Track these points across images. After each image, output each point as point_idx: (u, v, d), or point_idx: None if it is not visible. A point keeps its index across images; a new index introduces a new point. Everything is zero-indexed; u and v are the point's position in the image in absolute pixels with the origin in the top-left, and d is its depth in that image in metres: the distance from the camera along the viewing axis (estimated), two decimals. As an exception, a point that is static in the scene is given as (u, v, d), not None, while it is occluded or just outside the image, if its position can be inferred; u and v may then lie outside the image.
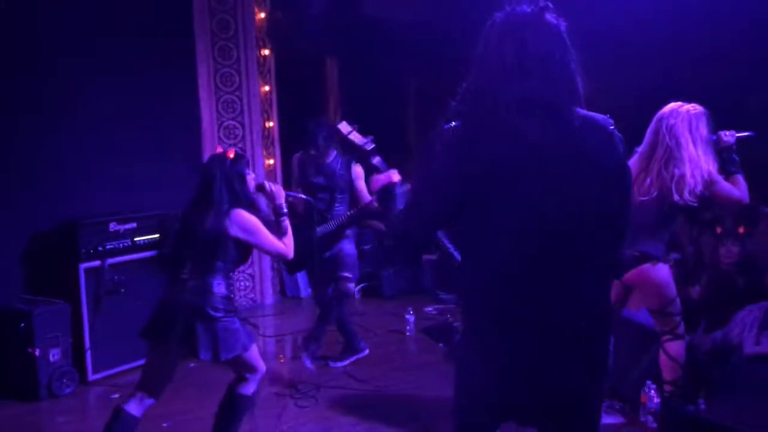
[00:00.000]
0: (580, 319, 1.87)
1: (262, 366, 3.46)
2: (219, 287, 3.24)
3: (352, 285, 5.03)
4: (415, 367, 5.03)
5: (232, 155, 3.36)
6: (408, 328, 5.83)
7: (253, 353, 3.39)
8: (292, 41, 7.12)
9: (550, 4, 1.90)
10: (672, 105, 3.63)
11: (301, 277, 7.40)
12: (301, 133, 5.09)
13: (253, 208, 3.42)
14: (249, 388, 3.45)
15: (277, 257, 3.44)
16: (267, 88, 6.97)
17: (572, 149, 1.83)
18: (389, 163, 4.84)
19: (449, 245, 5.05)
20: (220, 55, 6.59)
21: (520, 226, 1.83)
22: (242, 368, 3.41)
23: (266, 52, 6.93)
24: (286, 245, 3.39)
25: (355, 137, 4.38)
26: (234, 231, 3.23)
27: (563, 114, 1.84)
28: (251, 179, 3.42)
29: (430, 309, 6.44)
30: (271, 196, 3.48)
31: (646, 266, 3.55)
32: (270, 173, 7.06)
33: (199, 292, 3.21)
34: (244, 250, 3.35)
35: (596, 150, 1.85)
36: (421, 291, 7.11)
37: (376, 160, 4.14)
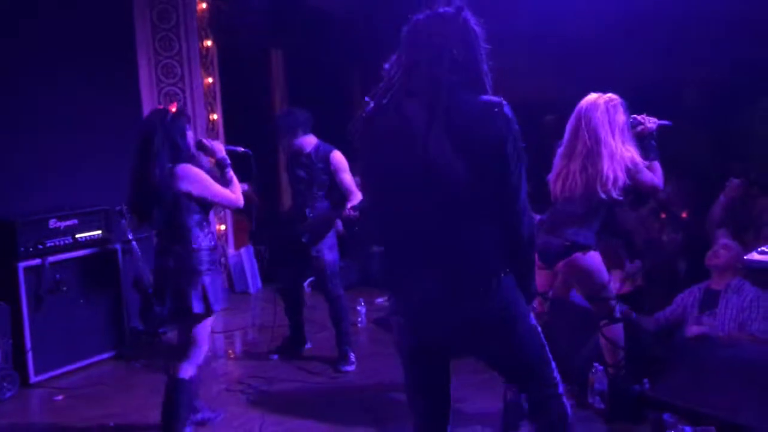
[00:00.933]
0: (463, 264, 2.15)
1: (207, 343, 3.50)
2: (198, 241, 3.33)
3: (341, 291, 4.93)
4: (367, 356, 5.03)
5: (173, 109, 3.41)
6: (359, 319, 5.83)
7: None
8: (235, 32, 7.01)
9: (465, 6, 2.19)
10: (589, 98, 3.67)
11: (250, 272, 7.33)
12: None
13: (194, 163, 3.44)
14: (186, 371, 3.42)
15: (228, 206, 3.51)
16: (210, 79, 6.86)
17: (445, 125, 2.08)
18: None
19: None
20: (161, 46, 6.45)
21: (397, 187, 2.18)
22: (193, 340, 3.40)
23: (209, 43, 6.81)
24: (235, 194, 3.47)
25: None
26: (183, 185, 3.29)
27: (443, 96, 2.09)
28: (191, 136, 3.44)
29: (381, 300, 6.44)
30: (211, 152, 3.56)
31: (577, 255, 3.63)
32: (216, 166, 6.94)
33: (183, 252, 3.31)
34: (200, 202, 3.38)
35: (472, 125, 2.09)
36: (372, 282, 7.12)
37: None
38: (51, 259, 4.81)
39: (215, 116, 6.94)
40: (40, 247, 4.81)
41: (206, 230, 3.41)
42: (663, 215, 5.07)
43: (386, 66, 2.27)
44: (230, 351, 5.57)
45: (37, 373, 4.74)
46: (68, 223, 5.01)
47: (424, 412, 2.42)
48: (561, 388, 2.36)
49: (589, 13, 5.82)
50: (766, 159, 6.74)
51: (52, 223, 4.93)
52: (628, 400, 3.73)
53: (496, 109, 2.11)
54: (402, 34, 2.24)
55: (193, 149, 3.47)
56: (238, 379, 4.74)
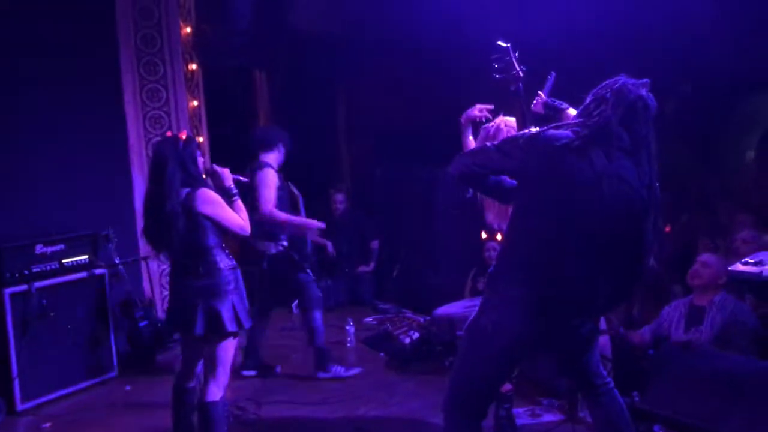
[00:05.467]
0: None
1: (231, 362, 3.56)
2: (223, 261, 3.41)
3: (318, 314, 4.98)
4: (357, 377, 5.03)
5: (183, 137, 3.48)
6: (348, 339, 5.83)
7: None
8: (220, 55, 7.05)
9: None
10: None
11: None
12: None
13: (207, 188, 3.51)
14: (216, 393, 3.44)
15: (237, 233, 3.52)
16: (195, 102, 6.87)
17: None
18: (322, 174, 4.86)
19: None
20: (145, 70, 6.46)
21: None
22: (219, 360, 3.43)
23: (194, 66, 6.83)
24: (244, 221, 3.53)
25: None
26: (204, 208, 3.37)
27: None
28: (201, 162, 3.51)
29: (370, 319, 6.46)
30: (220, 179, 3.59)
31: None
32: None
33: (209, 273, 3.38)
34: (218, 224, 3.45)
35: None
36: (360, 302, 7.13)
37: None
38: (38, 284, 4.78)
39: (201, 138, 6.94)
40: (27, 272, 4.78)
41: (226, 251, 3.51)
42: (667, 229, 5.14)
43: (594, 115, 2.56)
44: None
45: (23, 400, 4.68)
46: (55, 248, 4.99)
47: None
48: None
49: (569, 28, 5.92)
50: (745, 171, 6.86)
51: (39, 249, 4.91)
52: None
53: None
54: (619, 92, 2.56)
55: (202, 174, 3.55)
56: (229, 400, 4.70)
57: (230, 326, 3.38)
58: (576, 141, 2.46)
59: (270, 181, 4.80)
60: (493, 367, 2.69)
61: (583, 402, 3.88)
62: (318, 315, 4.95)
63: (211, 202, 3.41)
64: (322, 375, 4.96)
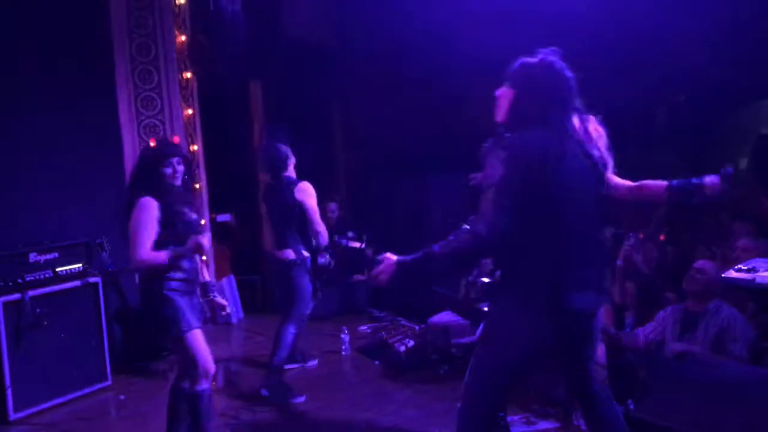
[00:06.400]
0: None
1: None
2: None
3: (293, 330, 4.90)
4: (351, 385, 5.03)
5: (152, 144, 3.60)
6: (343, 347, 5.82)
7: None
8: (215, 64, 7.06)
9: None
10: None
11: (232, 303, 7.30)
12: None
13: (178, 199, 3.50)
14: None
15: (132, 257, 3.41)
16: (190, 111, 6.88)
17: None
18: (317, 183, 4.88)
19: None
20: (140, 78, 6.48)
21: None
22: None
23: (188, 75, 6.85)
24: (150, 256, 3.36)
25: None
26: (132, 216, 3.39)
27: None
28: (172, 170, 3.46)
29: (365, 327, 6.45)
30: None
31: None
32: (195, 197, 6.95)
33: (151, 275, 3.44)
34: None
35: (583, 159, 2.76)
36: (355, 310, 7.12)
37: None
38: (31, 293, 4.76)
39: (195, 147, 6.95)
40: (20, 281, 4.77)
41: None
42: (641, 235, 5.15)
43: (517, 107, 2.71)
44: (213, 383, 5.52)
45: (17, 410, 4.66)
46: (48, 256, 4.98)
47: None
48: None
49: (559, 35, 5.95)
50: (738, 178, 6.88)
51: (32, 257, 4.90)
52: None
53: None
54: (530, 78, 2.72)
55: (172, 181, 3.47)
56: (223, 411, 4.69)
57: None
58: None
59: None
60: (512, 375, 2.71)
61: (579, 409, 3.88)
62: (292, 330, 4.84)
63: (136, 212, 3.40)
64: (264, 392, 4.78)
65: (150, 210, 3.37)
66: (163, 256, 3.37)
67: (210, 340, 6.46)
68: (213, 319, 3.72)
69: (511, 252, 2.62)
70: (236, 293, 7.46)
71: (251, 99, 8.20)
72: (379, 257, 2.69)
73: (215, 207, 7.51)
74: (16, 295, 4.70)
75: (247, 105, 8.21)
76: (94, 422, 4.64)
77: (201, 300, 3.64)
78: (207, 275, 3.84)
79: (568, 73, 2.71)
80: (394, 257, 2.63)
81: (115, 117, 6.29)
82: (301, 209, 4.78)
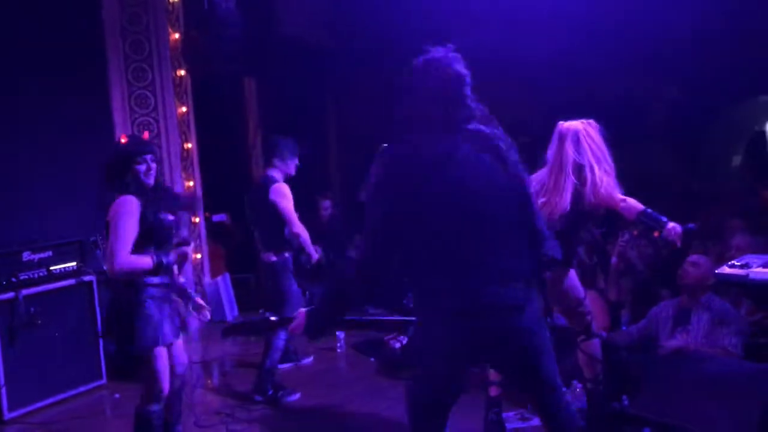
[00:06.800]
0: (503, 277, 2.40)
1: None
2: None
3: (284, 335, 4.81)
4: (346, 382, 5.03)
5: (123, 140, 3.38)
6: (339, 344, 5.82)
7: None
8: (209, 61, 7.04)
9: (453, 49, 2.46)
10: (571, 123, 3.77)
11: (227, 301, 7.29)
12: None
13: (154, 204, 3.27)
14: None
15: (108, 257, 3.15)
16: (184, 108, 6.87)
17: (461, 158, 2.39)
18: (312, 181, 4.85)
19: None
20: (134, 76, 6.46)
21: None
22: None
23: (182, 72, 6.83)
24: (132, 261, 3.13)
25: None
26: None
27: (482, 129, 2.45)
28: (146, 167, 3.28)
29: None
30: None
31: (552, 273, 3.69)
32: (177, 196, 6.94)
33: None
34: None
35: (482, 156, 2.41)
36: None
37: None
38: (25, 292, 4.74)
39: (189, 145, 6.94)
40: (14, 280, 4.75)
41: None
42: (635, 232, 5.16)
43: (400, 110, 2.49)
44: (208, 381, 5.52)
45: (11, 409, 4.65)
46: (42, 255, 4.96)
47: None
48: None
49: (557, 34, 5.96)
50: (732, 175, 6.92)
51: (26, 256, 4.88)
52: (608, 417, 3.77)
53: (493, 137, 2.45)
54: (412, 77, 2.47)
55: (145, 179, 3.28)
56: (218, 409, 4.69)
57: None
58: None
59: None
60: (431, 386, 2.56)
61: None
62: (283, 335, 4.78)
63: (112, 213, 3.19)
64: (258, 398, 4.74)
65: (132, 209, 3.16)
66: (147, 261, 3.16)
67: (205, 337, 6.53)
68: (184, 328, 3.45)
69: (402, 267, 2.48)
70: (231, 291, 7.45)
71: (246, 97, 8.19)
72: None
73: (210, 205, 7.51)
74: (10, 294, 4.68)
75: (242, 103, 8.20)
76: (89, 421, 4.64)
77: (179, 305, 3.48)
78: (182, 278, 3.64)
79: (457, 70, 2.43)
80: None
81: (108, 115, 6.28)
82: (276, 211, 4.70)
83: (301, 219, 4.84)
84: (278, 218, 4.71)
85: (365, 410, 4.45)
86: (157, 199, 3.32)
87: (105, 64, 6.24)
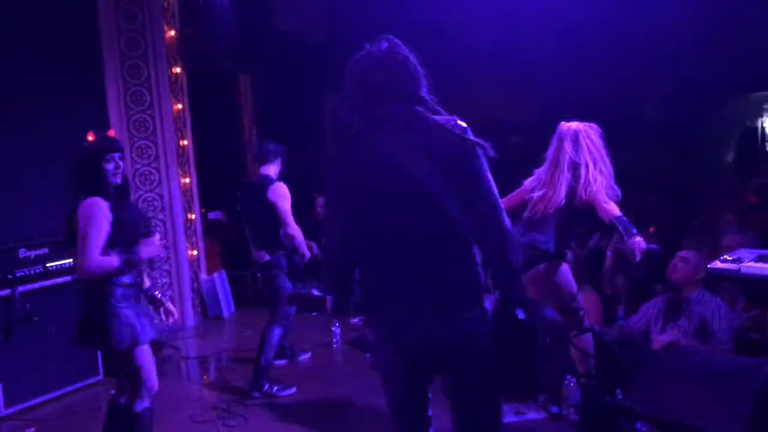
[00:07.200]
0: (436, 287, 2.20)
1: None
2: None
3: (279, 331, 4.86)
4: (342, 378, 5.05)
5: (90, 138, 3.34)
6: (334, 340, 5.84)
7: None
8: (204, 58, 7.06)
9: (396, 41, 2.33)
10: (571, 123, 3.85)
11: (223, 297, 7.31)
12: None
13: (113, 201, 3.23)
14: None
15: (78, 260, 3.14)
16: (180, 105, 6.87)
17: (422, 147, 2.18)
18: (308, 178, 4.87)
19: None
20: (129, 73, 6.46)
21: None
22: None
23: (178, 69, 6.83)
24: (100, 262, 3.11)
25: None
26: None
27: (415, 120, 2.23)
28: (114, 166, 3.23)
29: (356, 320, 6.47)
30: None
31: (547, 265, 3.73)
32: (186, 192, 6.95)
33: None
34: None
35: (434, 146, 2.18)
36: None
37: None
38: (21, 288, 4.76)
39: (185, 142, 6.94)
40: (10, 277, 4.76)
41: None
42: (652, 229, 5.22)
43: (339, 106, 2.40)
44: (204, 377, 5.54)
45: (7, 405, 4.66)
46: (38, 252, 4.97)
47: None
48: None
49: (550, 34, 5.98)
50: (725, 171, 6.95)
51: (22, 253, 4.89)
52: (602, 410, 3.80)
53: (453, 126, 2.21)
54: (349, 72, 2.33)
55: (113, 178, 3.24)
56: (214, 404, 4.71)
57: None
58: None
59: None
60: (390, 393, 2.46)
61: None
62: (278, 332, 4.81)
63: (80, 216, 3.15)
64: (256, 395, 4.74)
65: (100, 211, 3.14)
66: (114, 261, 3.13)
67: (202, 334, 6.55)
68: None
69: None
70: (228, 288, 7.47)
71: (241, 94, 8.20)
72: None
73: (205, 202, 7.52)
74: (6, 291, 4.69)
75: (237, 100, 8.22)
76: (85, 417, 4.65)
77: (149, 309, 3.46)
78: (147, 282, 3.57)
79: (382, 60, 2.28)
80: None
81: (104, 112, 6.27)
82: (273, 210, 4.72)
83: (296, 216, 4.86)
84: (275, 218, 4.72)
85: (361, 405, 4.48)
86: (125, 199, 3.30)
87: (100, 61, 6.24)
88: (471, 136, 2.20)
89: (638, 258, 3.57)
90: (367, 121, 2.28)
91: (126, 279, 3.23)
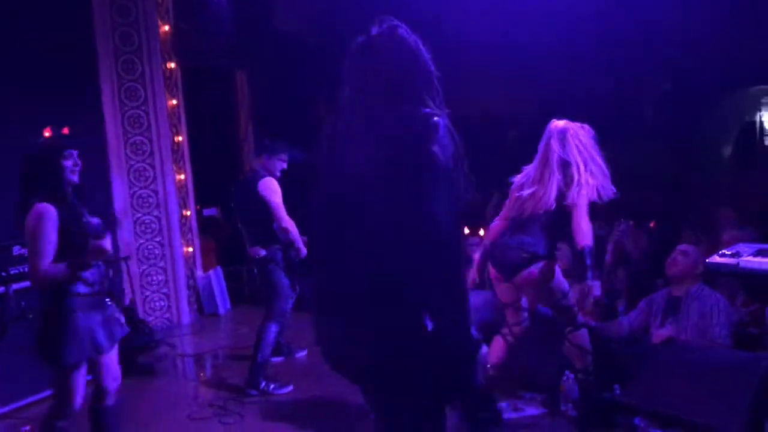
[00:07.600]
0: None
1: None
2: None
3: (275, 328, 4.83)
4: (339, 375, 5.02)
5: (47, 134, 3.24)
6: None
7: None
8: (199, 54, 7.02)
9: (399, 30, 2.28)
10: (560, 122, 3.81)
11: (219, 294, 7.28)
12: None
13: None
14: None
15: (29, 268, 3.06)
16: (174, 101, 6.83)
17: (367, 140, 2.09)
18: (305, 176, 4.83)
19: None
20: (123, 69, 6.42)
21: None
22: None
23: (172, 65, 6.79)
24: (50, 270, 3.01)
25: None
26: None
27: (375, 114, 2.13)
28: (71, 165, 3.15)
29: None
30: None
31: (537, 266, 3.71)
32: (181, 188, 6.92)
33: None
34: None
35: (396, 136, 2.05)
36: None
37: None
38: (15, 286, 4.71)
39: (180, 138, 6.91)
40: (4, 274, 4.72)
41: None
42: (631, 223, 5.20)
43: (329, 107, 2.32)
44: (201, 374, 5.51)
45: (3, 404, 4.63)
46: (33, 249, 4.93)
47: None
48: None
49: (549, 29, 5.96)
50: (724, 166, 6.94)
51: (16, 250, 4.85)
52: (600, 406, 3.79)
53: (415, 120, 2.06)
54: (347, 67, 2.31)
55: (71, 176, 3.15)
56: (210, 401, 4.69)
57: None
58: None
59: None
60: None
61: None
62: (274, 329, 4.79)
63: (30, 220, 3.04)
64: (252, 392, 4.71)
65: (48, 218, 3.01)
66: (62, 267, 3.00)
67: (198, 331, 6.52)
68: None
69: None
70: (224, 284, 7.45)
71: (237, 90, 8.17)
72: None
73: (200, 199, 7.49)
74: (0, 289, 4.66)
75: (233, 95, 8.18)
76: (80, 416, 4.60)
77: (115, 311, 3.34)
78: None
79: (381, 58, 2.24)
80: None
81: (98, 108, 6.24)
82: (264, 205, 4.70)
83: (293, 213, 4.83)
84: (267, 213, 4.71)
85: (358, 403, 4.44)
86: (79, 203, 3.17)
87: (94, 56, 6.20)
88: (435, 148, 1.99)
89: (587, 301, 3.60)
90: (346, 126, 2.22)
91: (83, 289, 3.09)
